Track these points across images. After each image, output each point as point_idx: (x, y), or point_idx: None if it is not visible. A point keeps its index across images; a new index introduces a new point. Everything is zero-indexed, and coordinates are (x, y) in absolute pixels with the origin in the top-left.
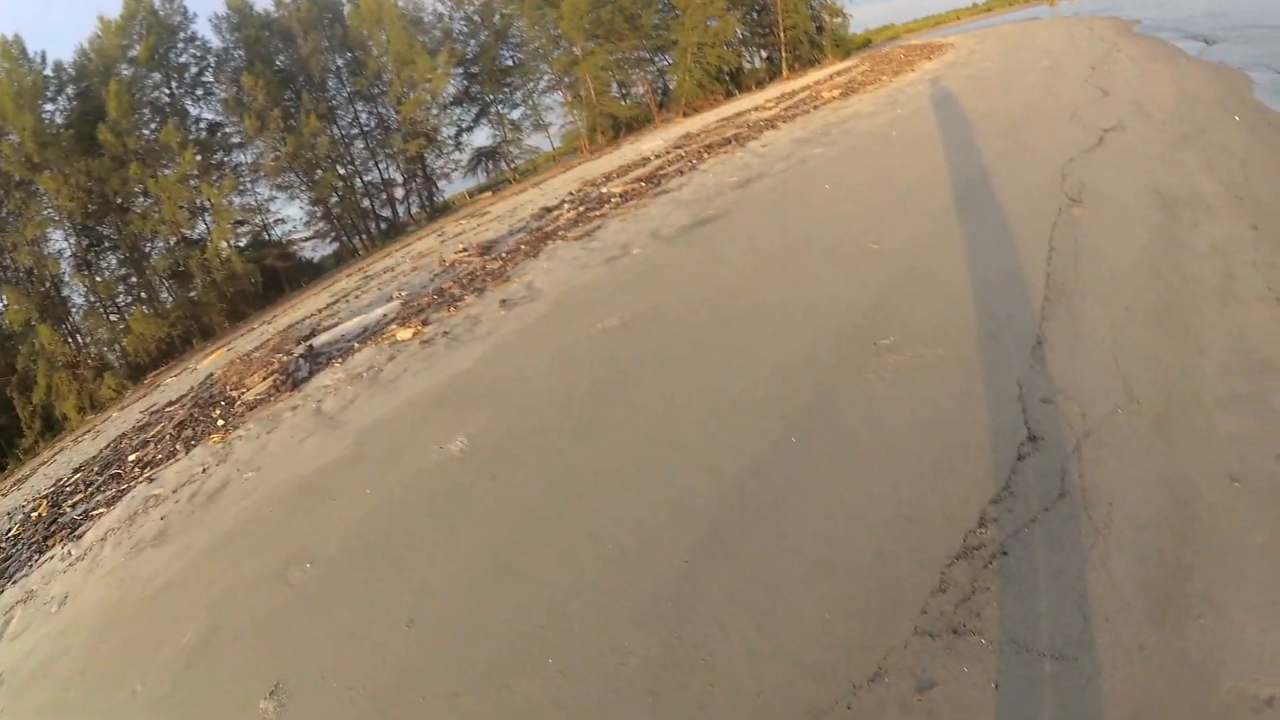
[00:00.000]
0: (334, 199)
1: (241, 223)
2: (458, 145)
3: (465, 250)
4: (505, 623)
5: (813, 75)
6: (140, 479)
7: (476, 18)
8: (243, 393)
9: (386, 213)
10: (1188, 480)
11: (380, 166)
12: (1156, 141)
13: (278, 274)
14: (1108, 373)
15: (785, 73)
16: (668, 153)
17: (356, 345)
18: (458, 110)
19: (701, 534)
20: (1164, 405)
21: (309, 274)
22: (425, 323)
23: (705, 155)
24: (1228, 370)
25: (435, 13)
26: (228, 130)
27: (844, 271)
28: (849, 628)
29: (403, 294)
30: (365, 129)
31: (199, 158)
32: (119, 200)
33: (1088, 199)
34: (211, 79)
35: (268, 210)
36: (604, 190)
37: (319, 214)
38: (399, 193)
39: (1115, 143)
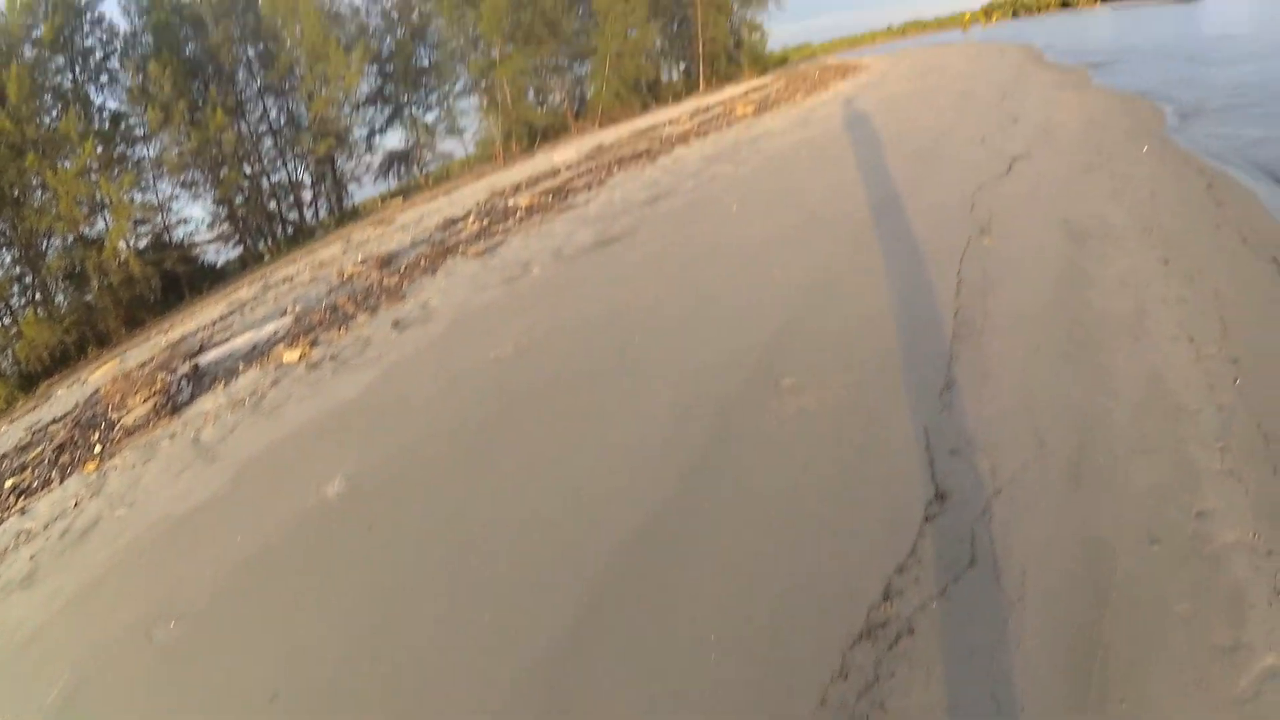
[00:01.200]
0: (239, 199)
1: (142, 222)
2: (369, 147)
3: (365, 263)
4: (375, 695)
5: (730, 90)
6: (14, 509)
7: (394, 14)
8: (123, 414)
9: (294, 216)
10: (1104, 543)
11: (289, 167)
12: (1065, 170)
13: (178, 278)
14: (1018, 419)
15: (703, 86)
16: (579, 164)
17: (242, 365)
18: (371, 110)
19: (589, 600)
20: (1077, 455)
21: (211, 279)
22: (314, 343)
23: (615, 169)
24: (1141, 415)
25: (352, 6)
26: (131, 122)
27: (749, 299)
28: None
29: (296, 308)
30: (275, 126)
31: (100, 150)
32: (16, 193)
33: (996, 229)
34: (118, 65)
35: (169, 209)
36: (510, 203)
37: (223, 215)
38: (307, 195)
39: (1024, 171)
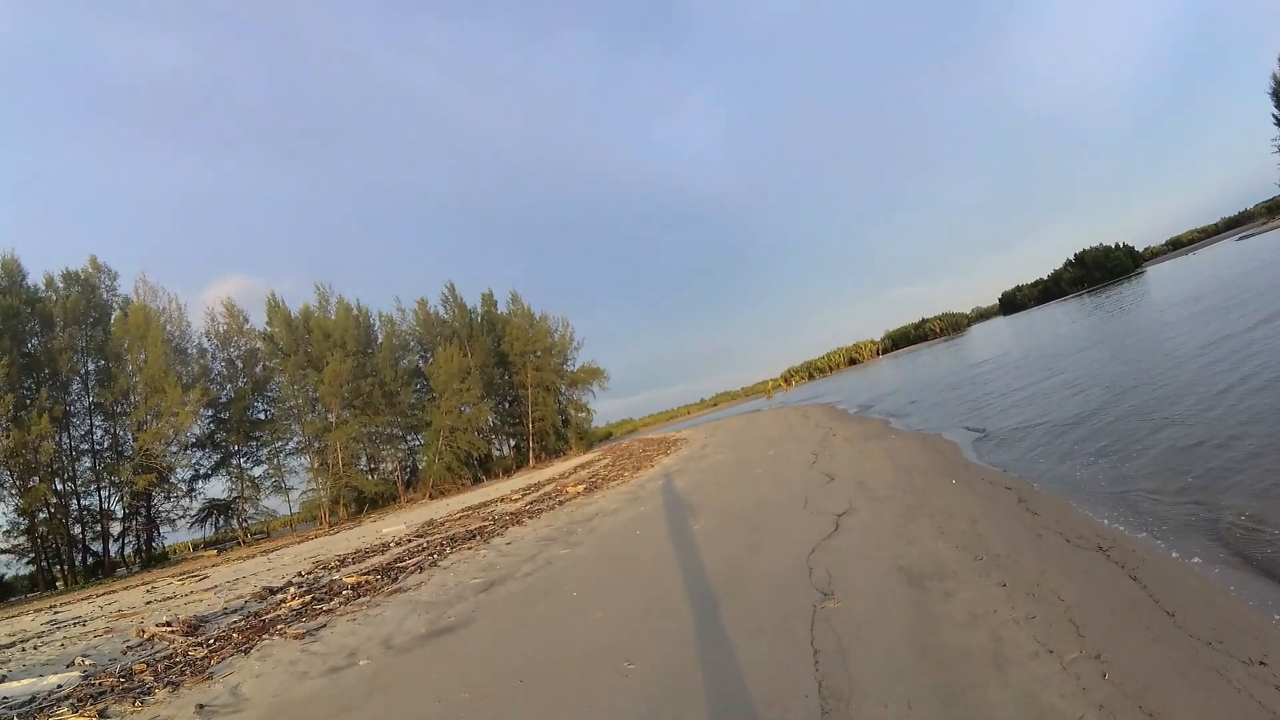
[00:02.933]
0: (42, 515)
1: None
2: (190, 491)
3: (170, 625)
4: None
5: (559, 466)
6: None
7: (238, 363)
8: None
9: (98, 547)
10: None
11: (103, 493)
12: (889, 517)
13: None
14: None
15: (533, 461)
16: (410, 540)
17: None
18: (199, 453)
19: None
20: None
21: None
22: (103, 715)
23: (448, 549)
24: None
25: (200, 347)
26: None
27: (598, 698)
28: None
29: (86, 663)
30: (97, 447)
31: None
32: None
33: (839, 589)
34: None
35: None
36: (336, 578)
37: (22, 527)
38: (116, 527)
39: (851, 525)
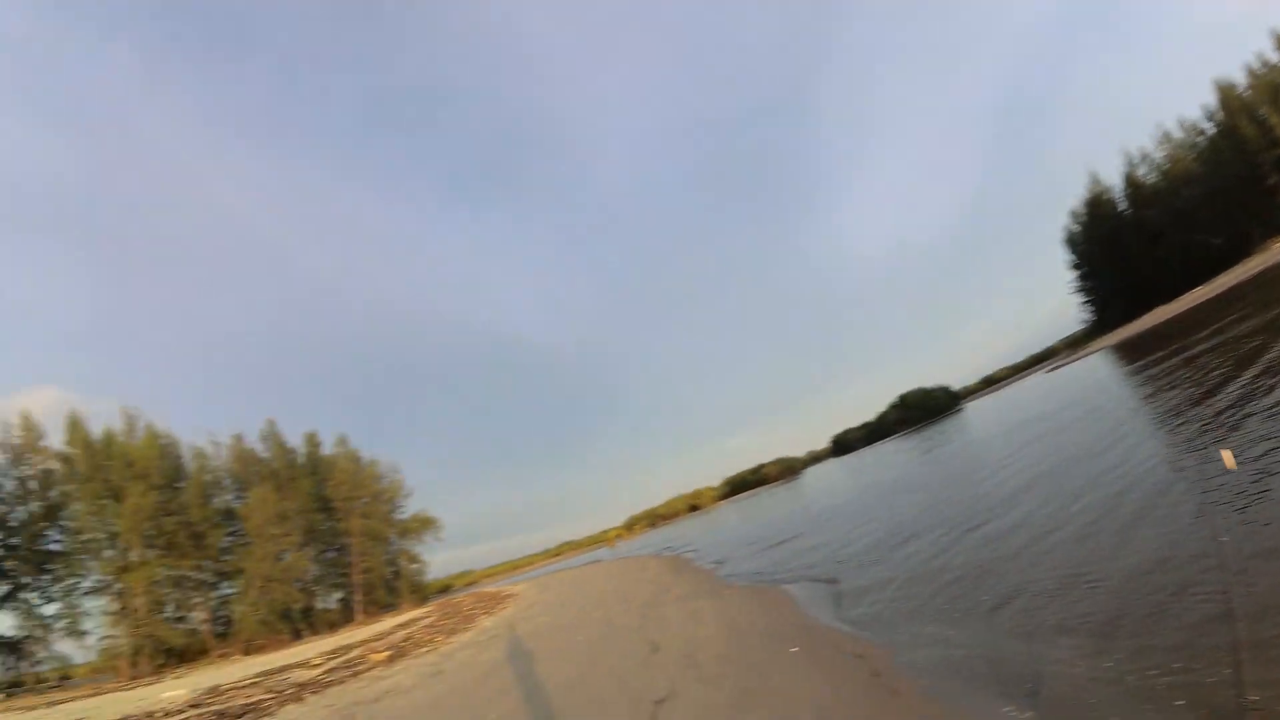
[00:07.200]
0: None
1: None
2: None
3: None
4: None
5: (387, 621)
6: None
7: (33, 484)
8: None
9: None
10: None
11: None
12: (718, 706)
13: None
14: None
15: (360, 616)
16: (182, 711)
17: None
18: None
19: None
20: None
21: None
22: None
23: None
24: None
25: None
26: None
27: None
28: None
29: None
30: None
31: None
32: None
33: None
34: None
35: None
36: None
37: None
38: None
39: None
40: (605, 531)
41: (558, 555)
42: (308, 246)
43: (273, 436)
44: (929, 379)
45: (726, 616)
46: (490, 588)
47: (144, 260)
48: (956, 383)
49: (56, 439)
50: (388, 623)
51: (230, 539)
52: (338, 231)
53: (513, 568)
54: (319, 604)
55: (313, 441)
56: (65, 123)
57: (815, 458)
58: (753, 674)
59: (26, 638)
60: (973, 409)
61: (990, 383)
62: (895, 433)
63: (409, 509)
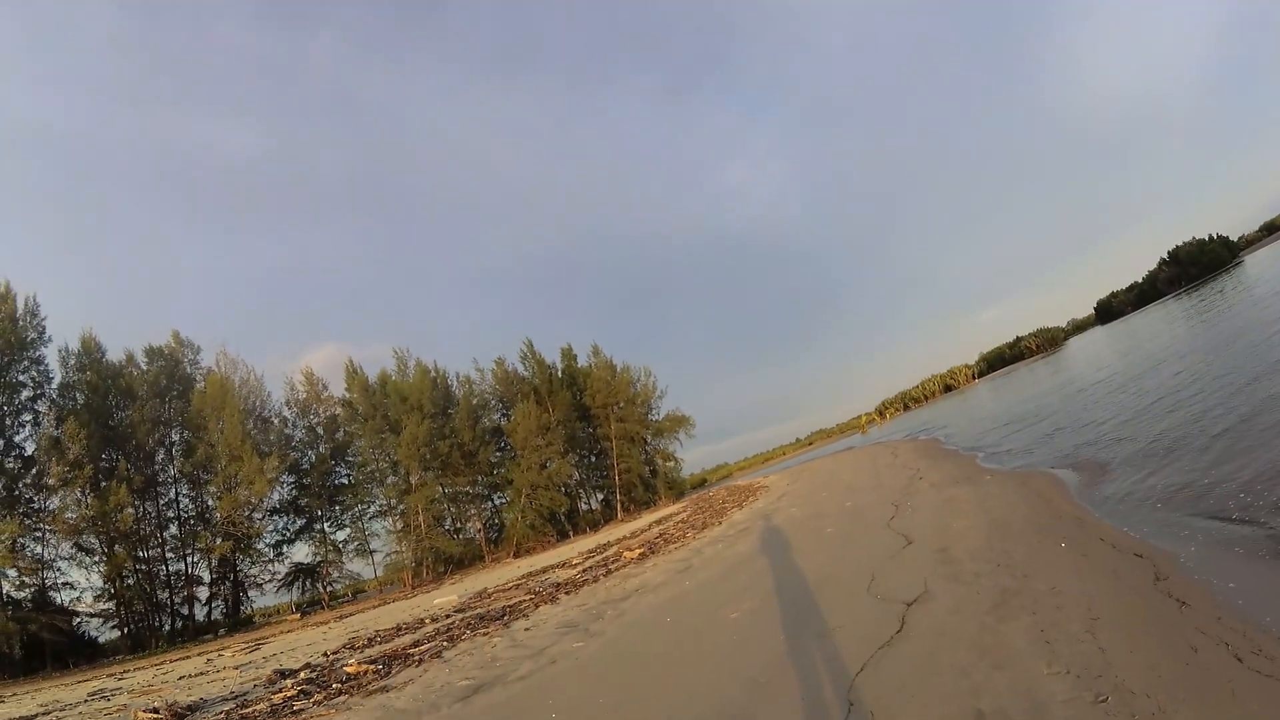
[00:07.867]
0: (128, 581)
1: (20, 574)
2: (276, 556)
3: (157, 712)
4: None
5: (647, 518)
6: None
7: (319, 429)
8: None
9: (186, 611)
10: None
11: (189, 560)
12: (973, 612)
13: (42, 645)
14: None
15: (620, 514)
16: (451, 614)
17: None
18: (282, 519)
19: None
20: None
21: (87, 654)
22: None
23: (466, 633)
24: None
25: (282, 416)
26: (41, 469)
27: None
28: None
29: None
30: (183, 514)
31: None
32: None
33: None
34: (43, 409)
35: (57, 568)
36: (343, 665)
37: (110, 592)
38: (204, 592)
39: (921, 624)
40: (857, 417)
41: (809, 444)
42: (555, 178)
43: (531, 355)
44: (1200, 228)
45: (984, 506)
46: (742, 480)
47: (411, 222)
48: (1233, 232)
49: (338, 388)
50: (645, 519)
51: (499, 454)
52: (584, 161)
53: (765, 459)
54: (583, 506)
55: (569, 355)
56: (361, 125)
57: (1078, 327)
58: (1012, 574)
59: (321, 562)
60: (1252, 262)
61: (1271, 230)
62: (1166, 294)
63: (662, 409)
